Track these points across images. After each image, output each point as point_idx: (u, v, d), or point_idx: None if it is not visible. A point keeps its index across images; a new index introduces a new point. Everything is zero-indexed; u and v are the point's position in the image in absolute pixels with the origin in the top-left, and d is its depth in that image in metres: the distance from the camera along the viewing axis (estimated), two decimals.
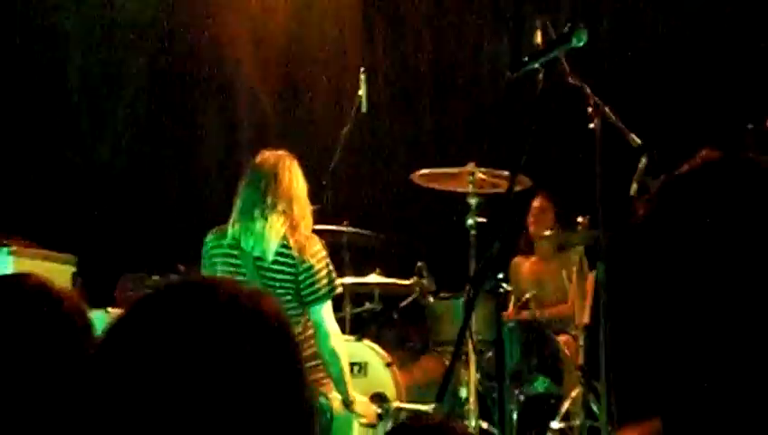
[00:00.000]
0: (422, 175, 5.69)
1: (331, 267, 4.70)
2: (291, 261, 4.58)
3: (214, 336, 1.31)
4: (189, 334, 1.31)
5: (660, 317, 1.20)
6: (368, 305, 6.18)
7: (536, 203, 6.15)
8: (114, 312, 5.11)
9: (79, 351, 1.82)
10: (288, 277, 4.60)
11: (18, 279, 1.96)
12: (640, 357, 1.21)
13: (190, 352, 1.29)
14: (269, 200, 4.55)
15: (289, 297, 4.61)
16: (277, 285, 4.58)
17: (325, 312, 4.67)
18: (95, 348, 1.40)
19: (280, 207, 4.56)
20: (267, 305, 1.38)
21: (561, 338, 5.79)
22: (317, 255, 4.61)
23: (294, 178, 4.65)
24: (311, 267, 4.56)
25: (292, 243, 4.57)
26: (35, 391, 1.77)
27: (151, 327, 1.32)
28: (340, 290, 5.10)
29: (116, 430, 1.28)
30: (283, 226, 4.58)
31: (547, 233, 6.14)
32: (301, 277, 4.60)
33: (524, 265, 6.41)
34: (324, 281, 4.65)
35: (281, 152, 4.73)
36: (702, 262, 1.18)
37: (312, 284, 4.58)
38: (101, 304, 5.49)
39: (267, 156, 4.71)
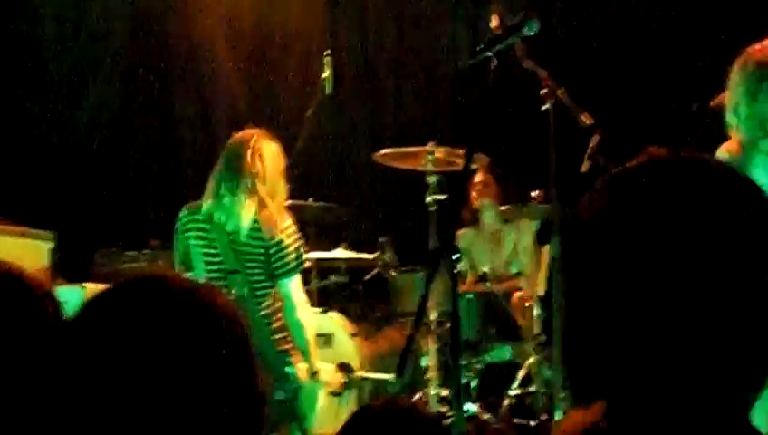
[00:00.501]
0: (384, 154, 5.74)
1: (299, 242, 4.75)
2: (261, 236, 4.63)
3: (170, 329, 1.35)
4: (146, 327, 1.35)
5: (606, 304, 1.20)
6: (333, 279, 6.27)
7: (478, 177, 6.13)
8: (90, 286, 5.55)
9: (48, 335, 1.80)
10: (259, 252, 4.63)
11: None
12: (588, 340, 1.22)
13: (147, 344, 1.33)
14: (239, 178, 4.61)
15: (259, 271, 4.66)
16: (248, 259, 4.62)
17: (293, 285, 4.72)
18: (64, 333, 1.46)
19: (249, 185, 4.61)
20: (221, 300, 1.43)
21: (516, 294, 5.84)
22: (286, 230, 4.65)
23: (264, 157, 4.70)
24: (280, 242, 4.61)
25: (261, 219, 4.63)
26: (8, 376, 1.73)
27: (113, 319, 1.37)
28: (308, 264, 5.18)
29: (81, 413, 1.33)
30: (253, 202, 4.64)
31: (488, 204, 6.21)
32: (271, 251, 4.64)
33: (473, 238, 6.37)
34: (293, 256, 4.68)
35: (254, 131, 4.77)
36: (644, 253, 1.19)
37: (282, 258, 4.62)
38: (78, 279, 5.80)
39: (240, 135, 4.76)
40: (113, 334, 1.35)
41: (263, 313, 4.72)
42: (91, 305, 1.42)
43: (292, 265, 4.66)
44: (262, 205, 4.67)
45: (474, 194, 6.23)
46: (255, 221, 4.68)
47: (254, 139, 4.71)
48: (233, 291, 4.71)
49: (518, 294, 5.95)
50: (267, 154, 4.69)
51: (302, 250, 4.84)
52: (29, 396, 1.64)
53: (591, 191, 1.28)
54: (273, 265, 4.64)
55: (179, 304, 1.38)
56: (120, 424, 1.31)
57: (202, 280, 4.23)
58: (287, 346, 4.45)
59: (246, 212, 4.64)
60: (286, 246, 4.64)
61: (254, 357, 1.42)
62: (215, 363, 1.35)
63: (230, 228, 4.62)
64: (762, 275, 1.19)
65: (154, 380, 1.32)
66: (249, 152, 4.64)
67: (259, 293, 4.72)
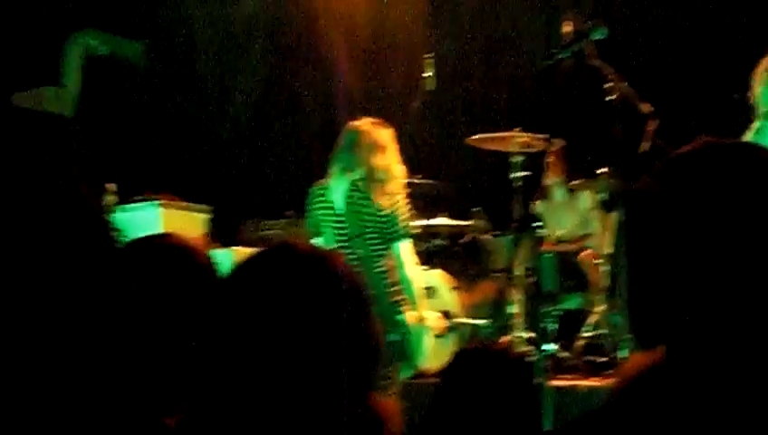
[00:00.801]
0: (476, 138, 5.96)
1: (409, 213, 4.88)
2: (378, 210, 4.74)
3: (301, 286, 1.46)
4: (283, 284, 1.46)
5: (665, 263, 1.25)
6: (436, 242, 6.51)
7: (549, 159, 6.26)
8: (238, 250, 5.77)
9: (207, 291, 1.89)
10: (377, 221, 4.76)
11: (162, 238, 2.05)
12: (648, 293, 1.27)
13: (285, 298, 1.45)
14: (356, 159, 4.70)
15: (376, 237, 4.80)
16: (368, 227, 4.76)
17: (403, 248, 4.83)
18: (220, 288, 1.57)
19: (365, 165, 4.72)
20: (340, 262, 1.52)
21: (584, 252, 6.03)
22: (398, 203, 4.77)
23: (376, 141, 4.77)
24: (392, 213, 4.74)
25: (377, 193, 4.74)
26: (178, 321, 1.84)
27: (257, 278, 1.49)
28: (416, 231, 5.41)
29: (233, 352, 1.44)
30: (369, 179, 4.74)
31: (558, 181, 6.38)
32: (385, 220, 4.76)
33: (546, 207, 6.44)
34: (403, 224, 4.80)
35: (368, 120, 4.86)
36: (697, 220, 1.23)
37: (394, 225, 4.76)
38: (228, 245, 6.09)
39: (356, 123, 4.85)
40: (258, 291, 1.47)
41: (378, 270, 4.80)
42: (240, 268, 1.53)
43: (402, 232, 4.79)
44: (377, 181, 4.77)
45: (547, 172, 6.36)
46: (368, 195, 4.78)
47: (370, 126, 4.81)
48: (356, 252, 4.82)
49: (586, 252, 6.07)
50: (383, 139, 4.77)
51: (410, 219, 4.93)
52: (194, 339, 1.70)
53: (653, 171, 1.34)
54: (387, 232, 4.78)
55: (307, 267, 1.49)
56: (264, 363, 1.43)
57: (330, 245, 4.72)
58: (399, 297, 4.59)
59: (362, 187, 4.76)
60: (397, 217, 4.77)
61: (370, 307, 1.53)
62: (337, 313, 1.46)
63: (349, 201, 4.77)
64: None
65: (291, 325, 1.43)
66: (365, 137, 4.74)
67: (376, 254, 4.82)
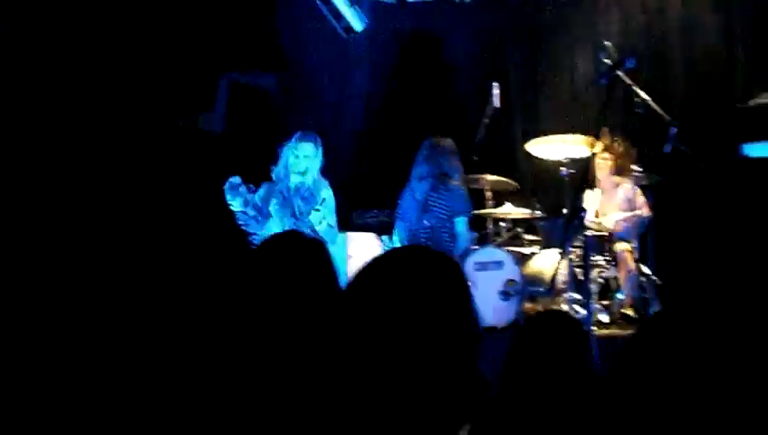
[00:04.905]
0: (531, 145, 6.41)
1: (467, 198, 5.64)
2: (444, 197, 5.63)
3: (421, 286, 1.44)
4: (408, 283, 1.43)
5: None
6: (503, 225, 6.77)
7: (597, 156, 6.22)
8: (349, 233, 6.31)
9: (333, 282, 1.92)
10: (445, 205, 5.66)
11: (296, 235, 2.04)
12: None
13: (407, 296, 1.42)
14: (434, 163, 5.70)
15: (444, 216, 5.69)
16: (435, 208, 5.64)
17: (462, 225, 5.64)
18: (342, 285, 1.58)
19: (436, 168, 5.69)
20: (450, 263, 1.50)
21: (623, 245, 6.09)
22: (459, 189, 5.65)
23: (444, 148, 5.77)
24: (458, 197, 5.61)
25: (447, 189, 5.64)
26: (308, 312, 1.83)
27: (383, 276, 1.46)
28: (479, 212, 6.13)
29: (360, 350, 1.40)
30: (437, 177, 5.65)
31: (606, 175, 6.45)
32: (449, 204, 5.65)
33: (593, 196, 6.50)
34: (464, 207, 5.66)
35: (437, 138, 5.77)
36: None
37: (457, 207, 5.62)
38: (341, 229, 6.16)
39: (434, 139, 5.77)
40: (391, 287, 1.44)
41: (446, 240, 5.67)
42: (372, 266, 1.49)
43: (462, 212, 5.65)
44: (445, 180, 5.67)
45: (594, 166, 6.36)
46: (444, 186, 5.64)
47: (436, 140, 5.77)
48: (426, 223, 5.62)
49: (624, 245, 6.09)
50: (448, 148, 5.75)
51: (470, 204, 5.64)
52: (314, 322, 1.70)
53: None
54: (452, 212, 5.66)
55: (433, 265, 1.47)
56: (384, 339, 1.39)
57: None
58: None
59: (439, 184, 5.62)
60: (457, 199, 5.65)
61: (473, 306, 1.48)
62: (452, 309, 1.43)
63: (427, 190, 5.64)
64: None
65: (410, 313, 1.40)
66: (433, 149, 5.79)
67: (442, 226, 5.66)
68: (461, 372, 1.40)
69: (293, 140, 5.60)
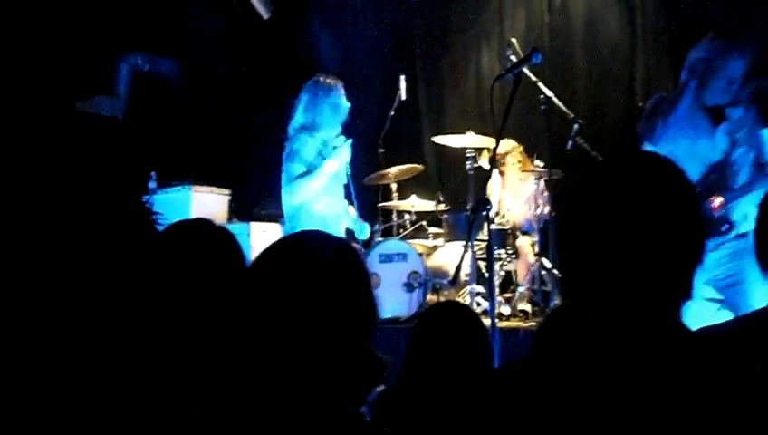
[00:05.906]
0: (441, 138, 6.22)
1: None
2: None
3: (317, 265, 1.47)
4: (300, 265, 1.47)
5: (579, 238, 1.36)
6: (407, 217, 6.71)
7: (500, 152, 6.02)
8: (252, 224, 6.31)
9: (239, 268, 1.92)
10: None
11: (205, 222, 2.03)
12: (569, 258, 1.38)
13: (303, 273, 1.45)
14: None
15: None
16: None
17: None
18: (246, 270, 1.56)
19: None
20: (347, 245, 1.54)
21: (525, 238, 6.21)
22: None
23: None
24: None
25: None
26: (211, 296, 1.84)
27: (279, 263, 1.49)
28: (384, 204, 5.94)
29: (259, 327, 1.43)
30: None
31: (510, 171, 6.36)
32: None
33: (498, 191, 6.43)
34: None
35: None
36: (583, 217, 1.35)
37: None
38: (245, 219, 6.53)
39: None
40: (285, 270, 1.48)
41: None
42: (266, 254, 1.52)
43: None
44: None
45: (499, 163, 6.32)
46: None
47: None
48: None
49: (527, 238, 6.20)
50: None
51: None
52: (225, 299, 1.70)
53: (575, 178, 1.43)
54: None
55: (333, 249, 1.52)
56: (296, 328, 1.43)
57: None
58: None
59: None
60: None
61: (370, 284, 1.53)
62: (346, 287, 1.48)
63: None
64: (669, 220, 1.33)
65: (305, 289, 1.44)
66: None
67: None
68: (356, 351, 1.43)
69: (334, 83, 5.08)
